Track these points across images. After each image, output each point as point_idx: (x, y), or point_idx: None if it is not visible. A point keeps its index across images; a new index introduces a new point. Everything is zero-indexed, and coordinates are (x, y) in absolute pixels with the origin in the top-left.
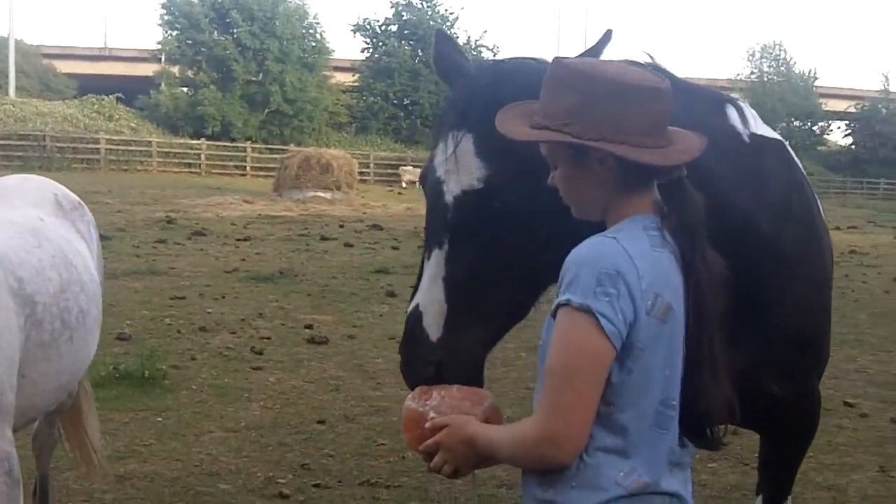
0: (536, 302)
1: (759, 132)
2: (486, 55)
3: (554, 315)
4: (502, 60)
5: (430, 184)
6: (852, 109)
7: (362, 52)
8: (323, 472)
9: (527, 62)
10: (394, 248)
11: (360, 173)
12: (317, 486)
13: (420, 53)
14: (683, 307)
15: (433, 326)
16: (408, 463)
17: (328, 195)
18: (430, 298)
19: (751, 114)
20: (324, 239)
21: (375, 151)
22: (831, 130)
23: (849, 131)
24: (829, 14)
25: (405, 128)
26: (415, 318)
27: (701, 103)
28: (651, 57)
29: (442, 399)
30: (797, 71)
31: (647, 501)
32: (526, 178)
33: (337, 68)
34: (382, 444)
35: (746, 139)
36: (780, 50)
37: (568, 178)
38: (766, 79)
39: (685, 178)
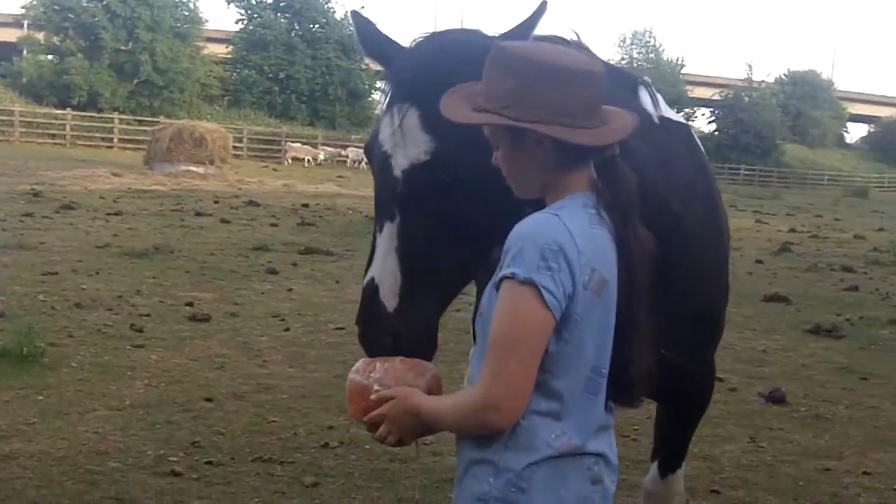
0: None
1: (666, 115)
2: None
3: (497, 286)
4: (441, 32)
5: (377, 158)
6: (717, 97)
7: (237, 23)
8: (214, 450)
9: (466, 33)
10: (272, 224)
11: (234, 148)
12: (209, 463)
13: (297, 27)
14: (616, 281)
15: (389, 298)
16: (300, 439)
17: (201, 170)
18: (385, 270)
19: (658, 96)
20: (199, 215)
21: (249, 126)
22: (696, 117)
23: (713, 118)
24: (698, 3)
25: (280, 102)
26: (371, 290)
27: (618, 84)
28: (577, 35)
29: (386, 371)
30: (666, 58)
31: (576, 462)
32: (472, 151)
33: (210, 39)
34: (273, 420)
35: (657, 121)
36: (650, 37)
37: (507, 159)
38: (635, 65)
39: (618, 157)
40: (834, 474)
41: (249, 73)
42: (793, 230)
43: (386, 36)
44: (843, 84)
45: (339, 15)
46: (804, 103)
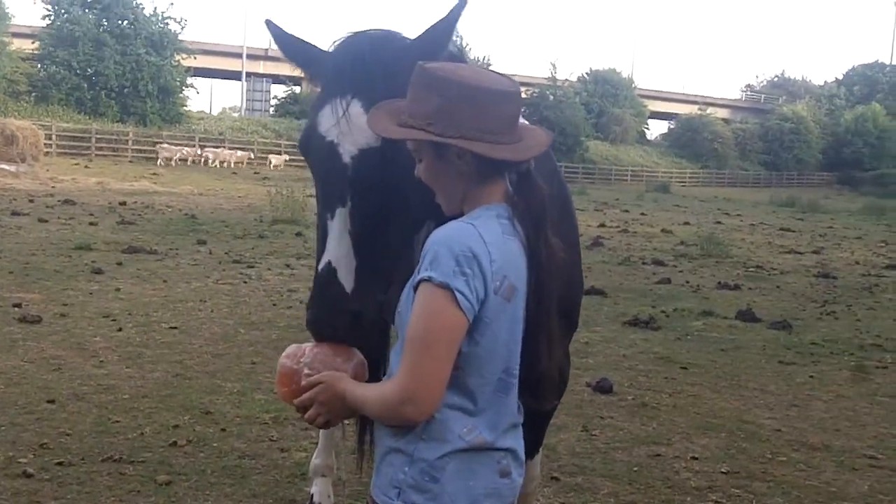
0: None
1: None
2: (173, 26)
3: (415, 288)
4: (365, 31)
5: (319, 149)
6: (524, 95)
7: (43, 18)
8: (63, 451)
9: (388, 32)
10: (91, 223)
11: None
12: (60, 464)
13: (105, 23)
14: (526, 287)
15: (347, 278)
16: (147, 439)
17: (12, 168)
18: (341, 252)
19: None
20: (15, 214)
21: (58, 122)
22: None
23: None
24: (502, 2)
25: (89, 99)
26: (328, 272)
27: None
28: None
29: (315, 356)
30: (472, 56)
31: (486, 455)
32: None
33: (16, 35)
34: (117, 420)
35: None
36: (457, 36)
37: (431, 171)
38: None
39: (532, 170)
40: (664, 459)
41: (57, 69)
42: (602, 225)
43: (303, 39)
44: (642, 82)
45: (148, 11)
46: (606, 101)
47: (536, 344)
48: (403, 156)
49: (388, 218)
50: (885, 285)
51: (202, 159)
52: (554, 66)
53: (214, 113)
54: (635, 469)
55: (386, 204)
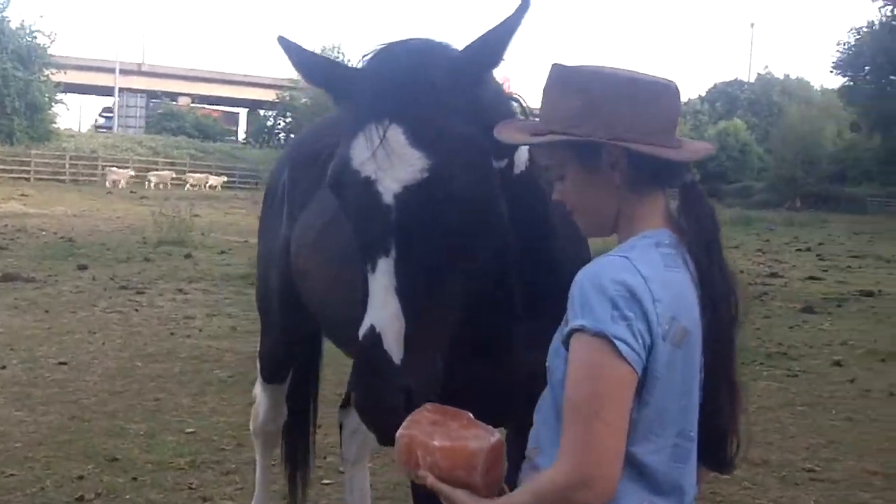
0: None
1: None
2: (42, 40)
3: (566, 343)
4: (402, 42)
5: (353, 187)
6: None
7: None
8: None
9: (428, 42)
10: None
11: None
12: None
13: None
14: (699, 329)
15: (395, 348)
16: (49, 494)
17: None
18: (387, 315)
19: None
20: None
21: None
22: None
23: None
24: None
25: None
26: (372, 341)
27: None
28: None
29: (440, 453)
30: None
31: None
32: (467, 164)
33: None
34: (12, 474)
35: None
36: None
37: (577, 188)
38: None
39: (698, 182)
40: None
41: None
42: None
43: (324, 56)
44: None
45: (14, 24)
46: None
47: (717, 397)
48: (463, 190)
49: (444, 268)
50: (773, 293)
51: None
52: None
53: (83, 130)
54: None
55: (440, 252)
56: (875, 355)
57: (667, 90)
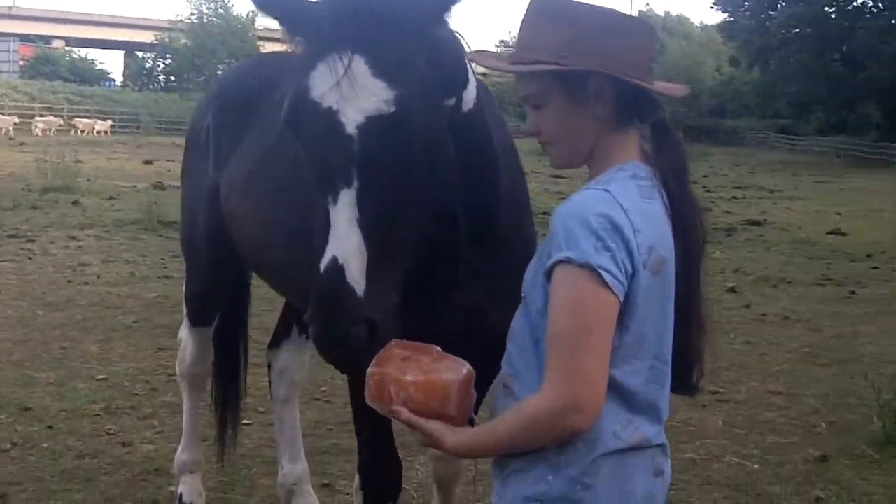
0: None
1: None
2: None
3: (547, 274)
4: None
5: (312, 117)
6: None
7: None
8: None
9: None
10: None
11: None
12: None
13: None
14: (673, 257)
15: (358, 279)
16: None
17: None
18: (350, 247)
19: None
20: None
21: None
22: None
23: None
24: None
25: None
26: (335, 272)
27: None
28: None
29: (413, 388)
30: (235, 13)
31: (642, 454)
32: (427, 98)
33: None
34: None
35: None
36: None
37: (559, 117)
38: (206, 20)
39: (668, 119)
40: None
41: None
42: None
43: None
44: None
45: None
46: None
47: (688, 324)
48: (422, 123)
49: (404, 202)
50: None
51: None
52: None
53: None
54: None
55: (401, 184)
56: (766, 281)
57: (647, 27)
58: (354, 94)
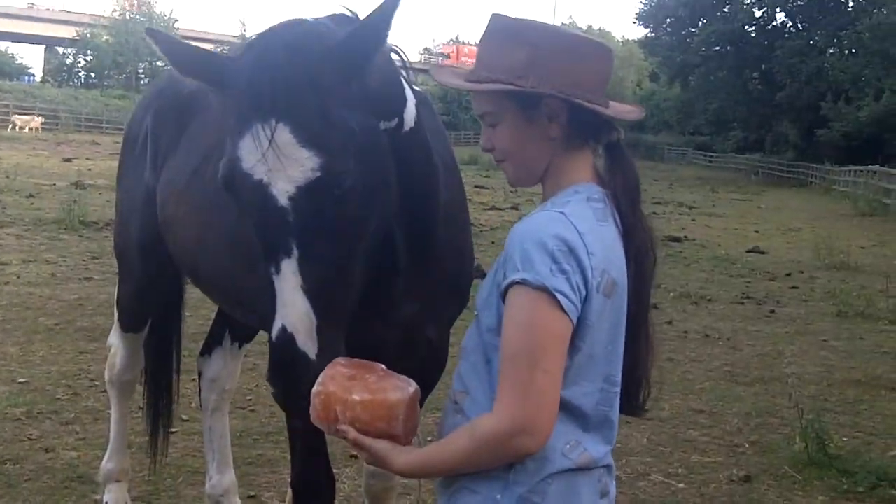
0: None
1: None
2: None
3: (502, 294)
4: (276, 29)
5: (247, 191)
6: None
7: None
8: None
9: (305, 24)
10: None
11: None
12: None
13: None
14: (626, 279)
15: (309, 345)
16: None
17: None
18: (297, 315)
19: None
20: None
21: None
22: None
23: None
24: None
25: None
26: (286, 341)
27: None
28: (352, 11)
29: (360, 407)
30: (158, 12)
31: (588, 475)
32: (359, 154)
33: None
34: None
35: (417, 89)
36: None
37: (512, 135)
38: (128, 17)
39: (622, 140)
40: None
41: None
42: None
43: (199, 48)
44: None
45: None
46: None
47: (637, 346)
48: (356, 180)
49: (348, 255)
50: None
51: None
52: (244, 23)
53: None
54: None
55: (341, 243)
56: (688, 298)
57: (605, 51)
58: (281, 165)
